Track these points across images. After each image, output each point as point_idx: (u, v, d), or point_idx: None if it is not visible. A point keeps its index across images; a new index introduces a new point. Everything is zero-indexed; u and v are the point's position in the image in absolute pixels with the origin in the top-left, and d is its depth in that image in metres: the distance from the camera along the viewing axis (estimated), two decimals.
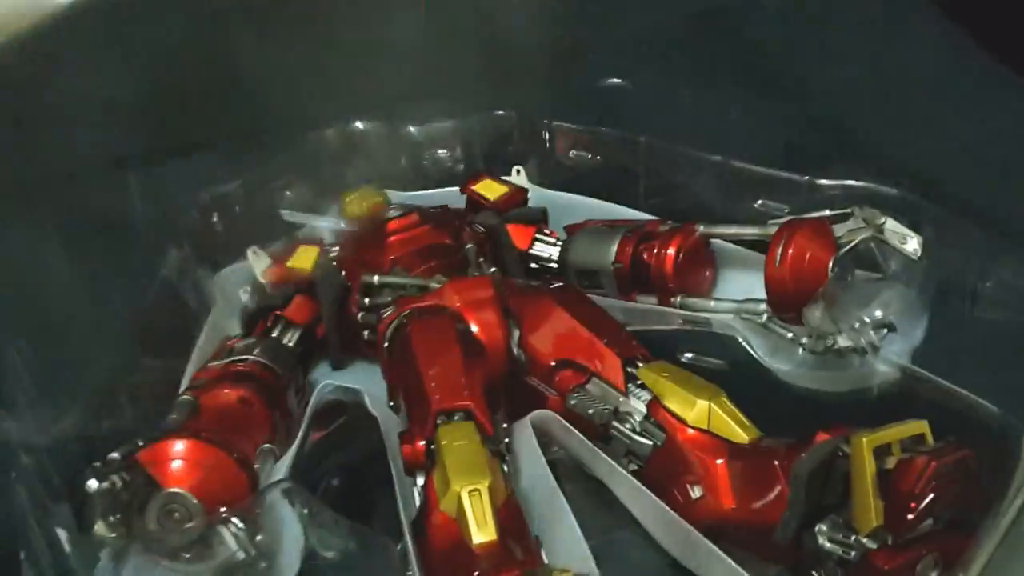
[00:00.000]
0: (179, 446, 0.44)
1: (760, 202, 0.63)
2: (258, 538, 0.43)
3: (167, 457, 0.44)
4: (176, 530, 0.42)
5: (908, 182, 0.58)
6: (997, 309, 0.57)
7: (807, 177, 0.61)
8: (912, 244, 0.53)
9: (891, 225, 0.54)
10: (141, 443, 0.45)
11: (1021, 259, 0.57)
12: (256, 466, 0.48)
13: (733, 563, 0.44)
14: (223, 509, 0.43)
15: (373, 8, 0.76)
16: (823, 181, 0.61)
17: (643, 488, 0.48)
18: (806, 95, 0.78)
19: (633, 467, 0.51)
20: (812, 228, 0.55)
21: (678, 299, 0.61)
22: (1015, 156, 0.72)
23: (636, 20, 0.84)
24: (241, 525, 0.42)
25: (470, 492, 0.43)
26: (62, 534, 0.40)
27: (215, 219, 0.66)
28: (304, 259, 0.62)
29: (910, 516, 0.39)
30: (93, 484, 0.41)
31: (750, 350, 0.57)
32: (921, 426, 0.42)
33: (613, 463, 0.49)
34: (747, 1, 0.88)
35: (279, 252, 0.64)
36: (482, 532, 0.42)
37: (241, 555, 0.42)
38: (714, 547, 0.44)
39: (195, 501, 0.42)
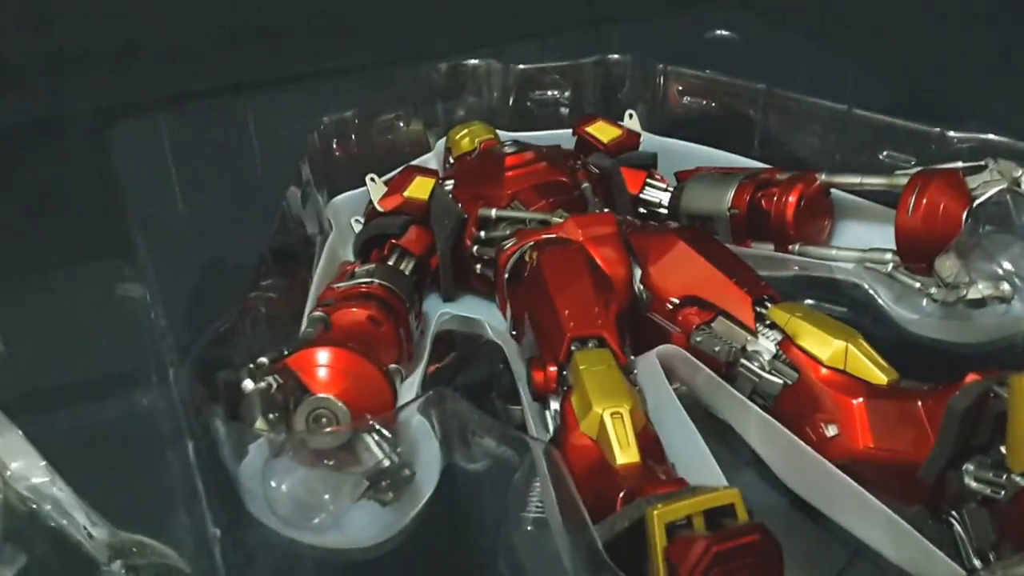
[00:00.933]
0: (326, 355, 0.45)
1: (885, 153, 0.62)
2: (399, 449, 0.44)
3: (315, 364, 0.44)
4: (324, 434, 0.42)
5: None
6: None
7: (937, 129, 0.60)
8: None
9: None
10: (285, 351, 0.45)
11: None
12: None
13: (869, 496, 0.43)
14: (368, 417, 0.43)
15: None
16: (953, 133, 0.60)
17: (774, 421, 0.48)
18: (924, 45, 0.76)
19: (759, 406, 0.50)
20: (946, 178, 0.55)
21: (796, 247, 0.61)
22: None
23: None
24: (387, 433, 0.43)
25: (612, 414, 0.43)
26: (219, 427, 0.41)
27: (334, 145, 0.66)
28: (421, 189, 0.63)
29: None
30: (249, 384, 0.41)
31: (876, 297, 0.56)
32: None
33: (743, 397, 0.49)
34: None
35: (396, 181, 0.64)
36: (625, 453, 0.42)
37: (386, 463, 0.42)
38: (850, 480, 0.44)
39: (343, 407, 0.43)
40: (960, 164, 0.56)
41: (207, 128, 0.68)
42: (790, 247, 0.61)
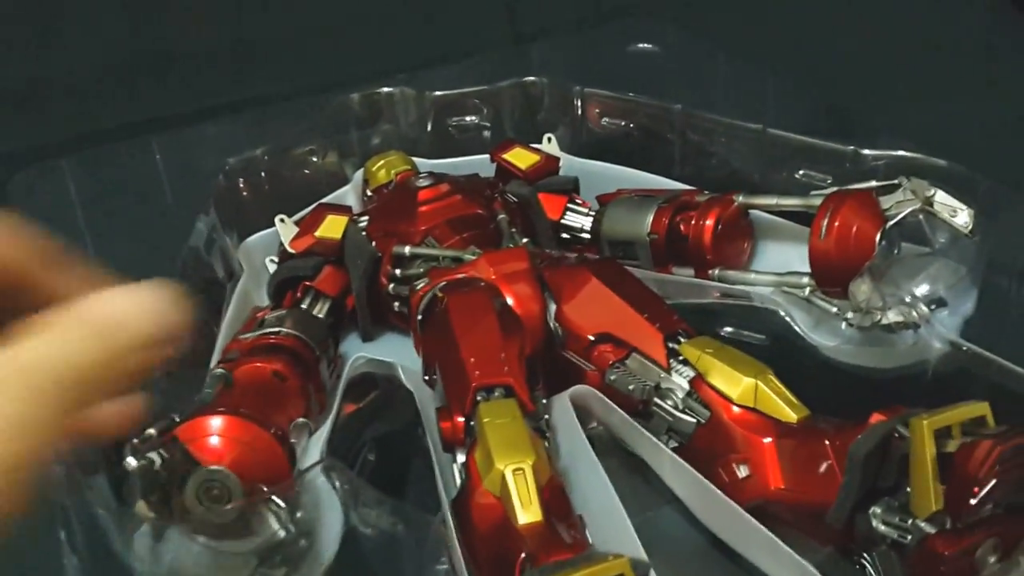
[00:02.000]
0: (217, 422, 0.43)
1: (802, 172, 0.62)
2: (298, 515, 0.42)
3: (205, 433, 0.43)
4: (216, 508, 0.41)
5: (958, 153, 0.56)
6: None
7: (851, 147, 0.59)
8: (963, 217, 0.51)
9: (941, 197, 0.52)
10: (177, 418, 0.44)
11: None
12: (292, 441, 0.47)
13: (779, 541, 0.43)
14: (263, 487, 0.42)
15: None
16: (868, 151, 0.59)
17: (686, 465, 0.47)
18: (850, 61, 0.76)
19: (674, 445, 0.50)
20: (859, 199, 0.54)
21: (716, 272, 0.60)
22: None
23: None
24: (282, 503, 0.41)
25: (514, 471, 0.42)
26: (101, 513, 0.39)
27: (240, 185, 0.65)
28: (333, 228, 0.61)
29: (972, 501, 0.38)
30: (132, 462, 0.39)
31: (792, 324, 0.55)
32: (982, 408, 0.40)
33: (655, 439, 0.48)
34: None
35: (307, 221, 0.62)
36: (527, 512, 0.41)
37: (282, 533, 0.41)
38: (759, 525, 0.44)
39: (235, 478, 0.41)
40: (874, 184, 0.55)
41: (114, 170, 0.66)
42: (710, 272, 0.60)
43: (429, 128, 0.72)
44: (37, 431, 0.25)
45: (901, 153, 0.58)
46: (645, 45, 0.75)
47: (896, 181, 0.54)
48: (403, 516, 0.40)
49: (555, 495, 0.43)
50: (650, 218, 0.62)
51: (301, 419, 0.50)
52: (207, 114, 0.71)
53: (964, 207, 0.52)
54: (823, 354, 0.54)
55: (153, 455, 0.40)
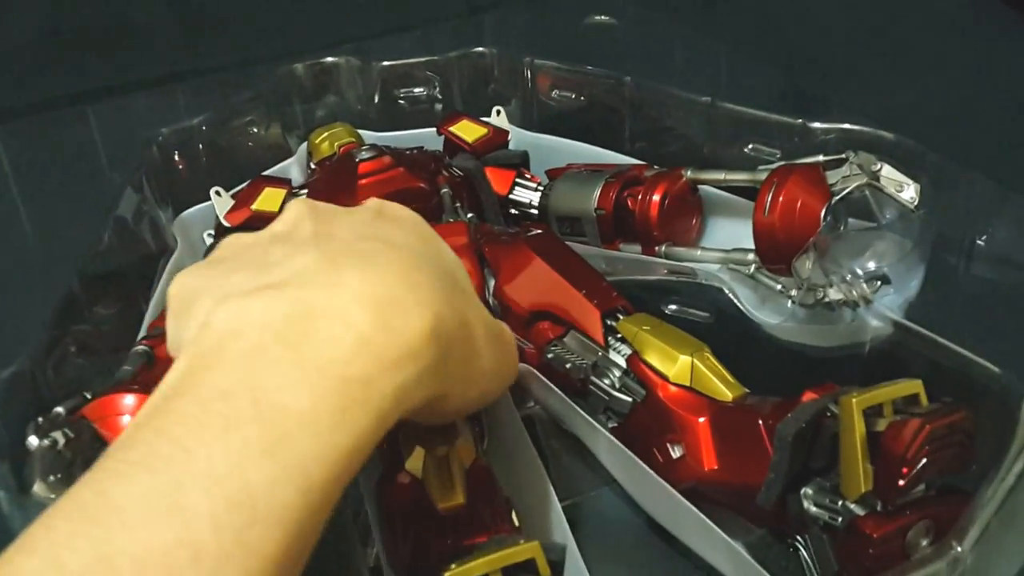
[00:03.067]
0: (129, 400, 0.41)
1: (751, 147, 0.60)
2: None
3: (115, 412, 0.41)
4: None
5: (907, 127, 0.54)
6: (997, 262, 0.55)
7: (800, 120, 0.58)
8: (909, 192, 0.50)
9: (887, 171, 0.51)
10: (89, 396, 0.42)
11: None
12: None
13: (711, 523, 0.42)
14: None
15: None
16: (817, 124, 0.58)
17: (621, 446, 0.46)
18: (802, 33, 0.74)
19: (612, 424, 0.49)
20: (804, 174, 0.52)
21: (663, 248, 0.58)
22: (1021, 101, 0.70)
23: None
24: None
25: (438, 453, 0.40)
26: (1, 494, 0.38)
27: (176, 157, 0.63)
28: (270, 202, 0.60)
29: (901, 482, 0.36)
30: (34, 441, 0.38)
31: (736, 302, 0.54)
32: (915, 385, 0.39)
33: (592, 420, 0.47)
34: None
35: (244, 194, 0.61)
36: (449, 496, 0.40)
37: None
38: (692, 507, 0.42)
39: None
40: (821, 158, 0.53)
41: (50, 141, 0.64)
42: (656, 248, 0.59)
43: (376, 100, 0.70)
44: None
45: (849, 126, 0.57)
46: (602, 17, 0.73)
47: (843, 155, 0.53)
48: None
49: (481, 478, 0.42)
50: (597, 193, 0.60)
51: None
52: (147, 84, 0.69)
53: (911, 182, 0.50)
54: (766, 332, 0.53)
55: (57, 434, 0.39)
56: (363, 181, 0.59)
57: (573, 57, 0.69)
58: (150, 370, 0.47)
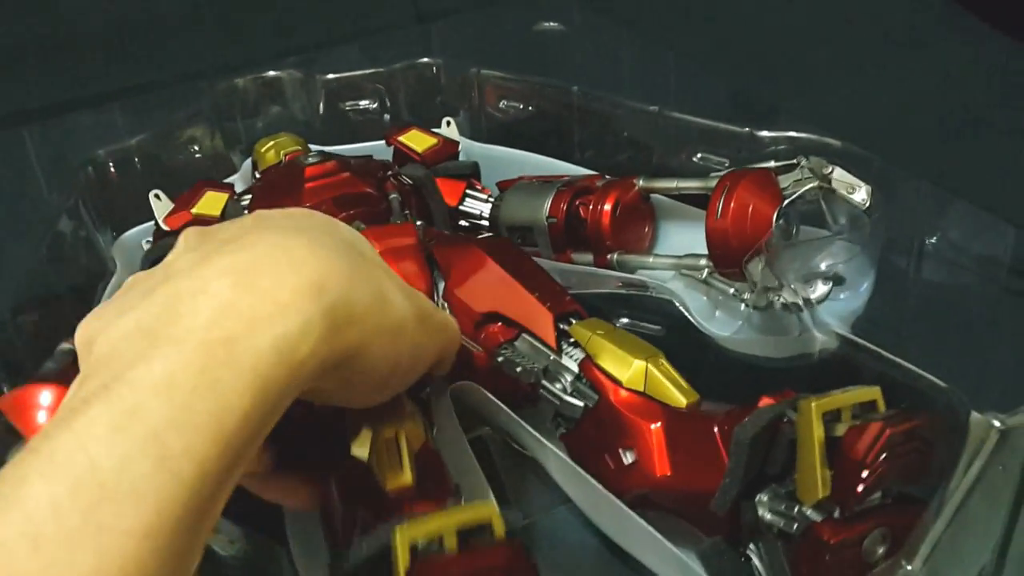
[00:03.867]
0: (46, 394, 0.39)
1: (699, 155, 0.60)
2: None
3: (31, 405, 0.39)
4: None
5: (854, 133, 0.55)
6: (943, 266, 0.55)
7: (747, 129, 0.58)
8: (861, 194, 0.50)
9: (839, 174, 0.51)
10: (5, 389, 0.40)
11: (970, 214, 0.54)
12: None
13: (660, 536, 0.41)
14: None
15: None
16: (764, 133, 0.58)
17: (570, 462, 0.45)
18: (750, 40, 0.74)
19: (562, 431, 0.47)
20: (755, 179, 0.52)
21: (615, 256, 0.58)
22: (970, 105, 0.70)
23: None
24: None
25: (386, 435, 0.39)
26: None
27: (114, 178, 0.61)
28: (212, 205, 0.58)
29: (860, 487, 0.36)
30: None
31: (687, 314, 0.53)
32: (873, 392, 0.38)
33: (540, 437, 0.46)
34: None
35: (184, 197, 0.59)
36: (398, 477, 0.38)
37: None
38: (641, 521, 0.41)
39: None
40: (772, 164, 0.53)
41: None
42: (608, 257, 0.58)
43: (322, 113, 0.69)
44: None
45: (795, 134, 0.57)
46: (550, 24, 0.73)
47: (794, 160, 0.53)
48: (250, 541, 0.38)
49: (428, 461, 0.41)
50: (548, 202, 0.60)
51: None
52: (84, 103, 0.67)
53: (862, 184, 0.50)
54: (717, 344, 0.52)
55: None
56: (309, 185, 0.58)
57: (522, 65, 0.69)
58: (76, 368, 0.45)
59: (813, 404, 0.37)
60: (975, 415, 0.34)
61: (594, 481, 0.43)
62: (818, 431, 0.37)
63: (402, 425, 0.39)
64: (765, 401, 0.40)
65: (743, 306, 0.52)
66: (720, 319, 0.53)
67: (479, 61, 0.68)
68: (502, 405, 0.47)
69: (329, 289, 0.32)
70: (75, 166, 0.62)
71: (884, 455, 0.36)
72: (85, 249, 0.56)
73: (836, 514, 0.37)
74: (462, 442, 0.44)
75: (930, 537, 0.35)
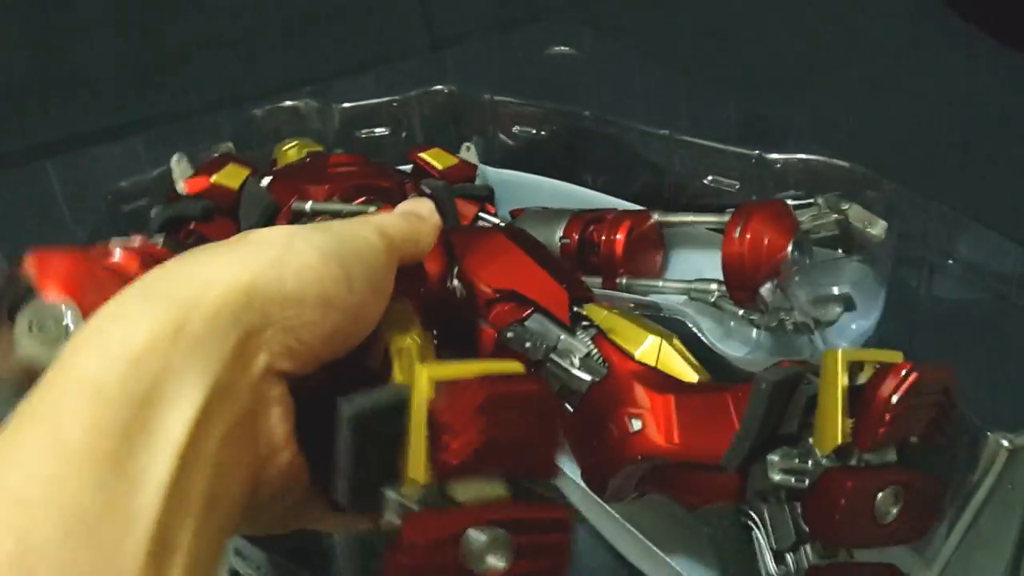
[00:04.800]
0: (61, 258, 0.39)
1: (711, 178, 0.61)
2: None
3: (53, 267, 0.38)
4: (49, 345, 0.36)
5: (863, 153, 0.55)
6: (954, 285, 0.55)
7: (757, 151, 0.58)
8: (878, 229, 0.51)
9: (855, 212, 0.51)
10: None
11: (980, 234, 0.54)
12: None
13: (675, 566, 0.41)
14: None
15: None
16: (774, 155, 0.58)
17: (589, 490, 0.45)
18: (760, 61, 0.74)
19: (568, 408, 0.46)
20: (771, 211, 0.53)
21: (623, 280, 0.58)
22: (978, 123, 0.70)
23: None
24: None
25: (399, 345, 0.37)
26: None
27: (137, 209, 0.62)
28: (233, 177, 0.58)
29: (882, 428, 0.35)
30: None
31: (699, 334, 0.54)
32: (896, 356, 0.38)
33: (561, 467, 0.46)
34: None
35: (207, 165, 0.59)
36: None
37: None
38: (656, 550, 0.42)
39: (75, 309, 0.37)
40: (791, 202, 0.54)
41: (10, 198, 0.63)
42: (617, 280, 0.59)
43: (337, 140, 0.70)
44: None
45: (804, 156, 0.58)
46: (562, 48, 0.73)
47: (811, 200, 0.54)
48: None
49: None
50: (563, 226, 0.60)
51: None
52: (105, 135, 0.68)
53: (879, 220, 0.51)
54: (731, 364, 0.53)
55: None
56: (332, 170, 0.58)
57: (535, 90, 0.69)
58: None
59: (840, 352, 0.37)
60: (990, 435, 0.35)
61: (614, 513, 0.43)
62: (842, 379, 0.37)
63: (416, 339, 0.38)
64: (784, 364, 0.40)
65: (754, 331, 0.53)
66: (732, 341, 0.54)
67: (493, 87, 0.69)
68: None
69: (256, 288, 0.32)
70: (99, 197, 0.63)
71: (909, 398, 0.36)
72: None
73: (854, 461, 0.37)
74: None
75: (943, 554, 0.35)
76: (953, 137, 0.68)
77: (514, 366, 0.32)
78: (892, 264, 0.52)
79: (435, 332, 0.46)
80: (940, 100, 0.73)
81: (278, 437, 0.32)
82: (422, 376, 0.30)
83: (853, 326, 0.51)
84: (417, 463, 0.30)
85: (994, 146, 0.69)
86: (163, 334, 0.29)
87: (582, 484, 0.45)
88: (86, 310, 0.37)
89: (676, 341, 0.45)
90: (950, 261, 0.54)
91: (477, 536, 0.28)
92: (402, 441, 0.30)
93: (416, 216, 0.41)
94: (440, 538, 0.28)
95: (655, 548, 0.41)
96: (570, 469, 0.46)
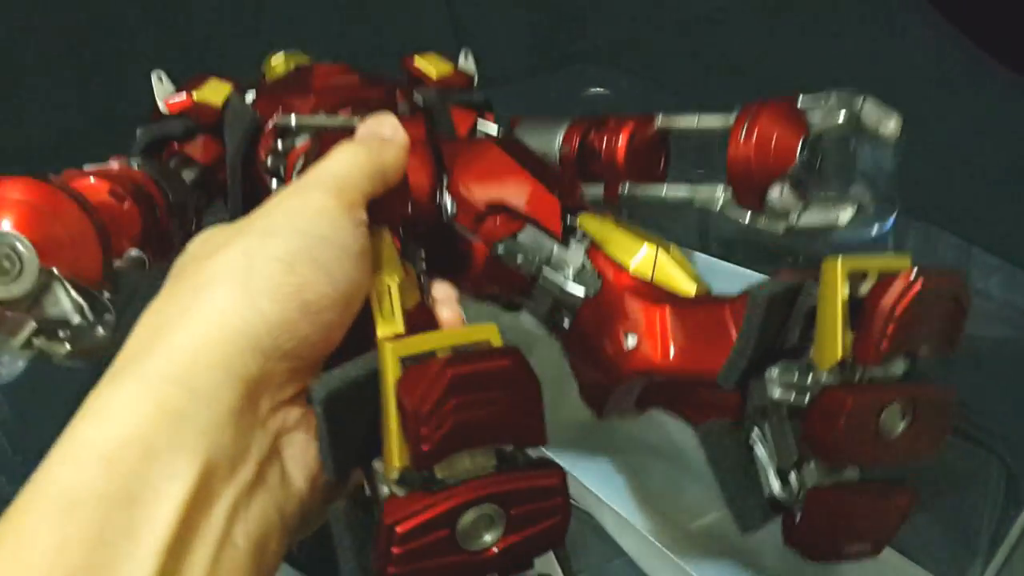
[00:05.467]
0: (14, 185, 0.36)
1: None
2: (107, 317, 0.35)
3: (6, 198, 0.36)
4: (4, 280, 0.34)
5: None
6: (987, 325, 0.54)
7: None
8: (891, 125, 0.48)
9: (869, 108, 0.49)
10: None
11: (1009, 271, 0.54)
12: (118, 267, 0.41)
13: None
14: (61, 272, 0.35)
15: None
16: None
17: (627, 519, 0.45)
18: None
19: (564, 326, 0.44)
20: (778, 110, 0.50)
21: (626, 187, 0.55)
22: (1006, 161, 0.69)
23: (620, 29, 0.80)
24: (72, 290, 0.35)
25: (380, 286, 0.36)
26: None
27: None
28: (215, 93, 0.55)
29: (885, 342, 0.33)
30: None
31: None
32: (903, 261, 0.35)
33: (598, 494, 0.47)
34: (733, 5, 0.85)
35: (187, 83, 0.56)
36: (389, 325, 0.35)
37: (76, 319, 0.34)
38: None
39: (28, 245, 0.34)
40: (800, 97, 0.51)
41: None
42: (620, 187, 0.55)
43: None
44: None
45: None
46: (598, 89, 0.73)
47: (822, 93, 0.51)
48: None
49: (422, 318, 0.38)
50: (562, 132, 0.58)
51: (135, 251, 0.43)
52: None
53: (892, 115, 0.48)
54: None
55: None
56: (318, 83, 0.55)
57: None
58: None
59: (839, 261, 0.34)
60: None
61: (651, 536, 0.43)
62: (842, 290, 0.34)
63: (396, 279, 0.36)
64: (785, 273, 0.37)
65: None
66: None
67: None
68: (558, 461, 0.46)
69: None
70: None
71: (914, 308, 0.33)
72: None
73: (857, 377, 0.34)
74: None
75: None
76: (974, 171, 0.67)
77: (486, 332, 0.30)
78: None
79: (423, 254, 0.45)
80: (961, 135, 0.72)
81: (311, 458, 0.31)
82: (388, 355, 0.29)
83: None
84: (391, 448, 0.29)
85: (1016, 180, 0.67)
86: (142, 420, 0.27)
87: (619, 516, 0.45)
88: (43, 242, 0.35)
89: (674, 249, 0.43)
90: (978, 300, 0.52)
91: (466, 516, 0.28)
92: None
93: (378, 140, 0.40)
94: (423, 523, 0.27)
95: None
96: (600, 489, 0.46)
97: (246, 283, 0.30)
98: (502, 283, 0.46)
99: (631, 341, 0.41)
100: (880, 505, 0.35)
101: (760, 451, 0.36)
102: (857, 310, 0.34)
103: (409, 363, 0.29)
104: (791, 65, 0.81)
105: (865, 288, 0.34)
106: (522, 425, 0.28)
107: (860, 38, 0.84)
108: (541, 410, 0.29)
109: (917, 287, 0.33)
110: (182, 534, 0.26)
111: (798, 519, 0.35)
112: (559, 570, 0.32)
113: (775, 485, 0.36)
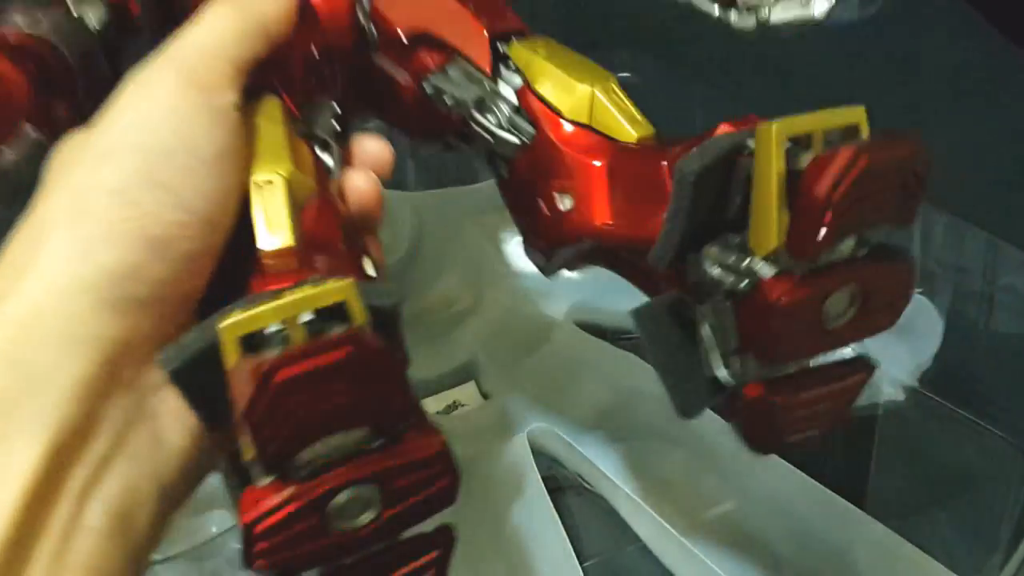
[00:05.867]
0: None
1: None
2: None
3: None
4: None
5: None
6: (1016, 319, 0.51)
7: None
8: None
9: None
10: None
11: None
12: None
13: None
14: None
15: None
16: None
17: (643, 504, 0.46)
18: (817, 90, 0.65)
19: (504, 175, 0.40)
20: None
21: None
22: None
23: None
24: None
25: (259, 183, 0.31)
26: None
27: None
28: None
29: (822, 232, 0.28)
30: None
31: None
32: (856, 113, 0.30)
33: (614, 479, 0.47)
34: None
35: None
36: (273, 234, 0.30)
37: None
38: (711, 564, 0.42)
39: None
40: None
41: None
42: None
43: None
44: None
45: None
46: (625, 74, 0.64)
47: None
48: None
49: (322, 216, 0.33)
50: None
51: (34, 133, 0.40)
52: None
53: None
54: None
55: None
56: None
57: None
58: None
59: (774, 126, 0.29)
60: None
61: (665, 523, 0.44)
62: (777, 161, 0.29)
63: (284, 168, 0.31)
64: (724, 128, 0.32)
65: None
66: None
67: None
68: (576, 447, 0.49)
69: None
70: None
71: (856, 191, 0.27)
72: None
73: (795, 268, 0.30)
74: (546, 507, 0.48)
75: None
76: (1002, 166, 0.63)
77: (342, 291, 0.26)
78: (950, 296, 0.49)
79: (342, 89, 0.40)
80: (996, 133, 0.67)
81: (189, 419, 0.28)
82: (226, 339, 0.25)
83: (910, 358, 0.48)
84: (243, 441, 0.25)
85: None
86: None
87: (635, 501, 0.47)
88: None
89: (614, 87, 0.38)
90: (1010, 294, 0.50)
91: (336, 499, 0.25)
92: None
93: None
94: (285, 518, 0.25)
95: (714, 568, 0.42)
96: (615, 474, 0.48)
97: (75, 230, 0.27)
98: (436, 125, 0.41)
99: (566, 203, 0.37)
100: (833, 390, 0.31)
101: (706, 331, 0.33)
102: (797, 181, 0.29)
103: (257, 340, 0.25)
104: (817, 52, 0.73)
105: (805, 160, 0.29)
106: (381, 410, 0.25)
107: (888, 32, 0.75)
108: (402, 389, 0.25)
109: (861, 165, 0.27)
110: (23, 531, 0.24)
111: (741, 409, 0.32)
112: None
113: (719, 367, 0.32)
